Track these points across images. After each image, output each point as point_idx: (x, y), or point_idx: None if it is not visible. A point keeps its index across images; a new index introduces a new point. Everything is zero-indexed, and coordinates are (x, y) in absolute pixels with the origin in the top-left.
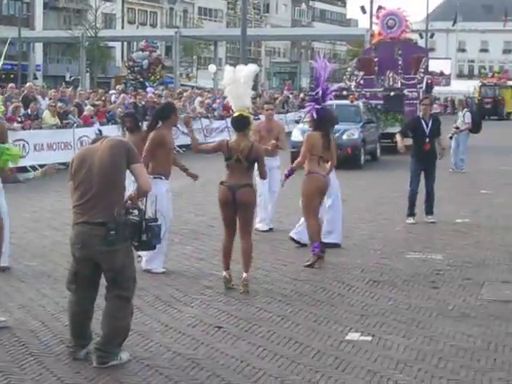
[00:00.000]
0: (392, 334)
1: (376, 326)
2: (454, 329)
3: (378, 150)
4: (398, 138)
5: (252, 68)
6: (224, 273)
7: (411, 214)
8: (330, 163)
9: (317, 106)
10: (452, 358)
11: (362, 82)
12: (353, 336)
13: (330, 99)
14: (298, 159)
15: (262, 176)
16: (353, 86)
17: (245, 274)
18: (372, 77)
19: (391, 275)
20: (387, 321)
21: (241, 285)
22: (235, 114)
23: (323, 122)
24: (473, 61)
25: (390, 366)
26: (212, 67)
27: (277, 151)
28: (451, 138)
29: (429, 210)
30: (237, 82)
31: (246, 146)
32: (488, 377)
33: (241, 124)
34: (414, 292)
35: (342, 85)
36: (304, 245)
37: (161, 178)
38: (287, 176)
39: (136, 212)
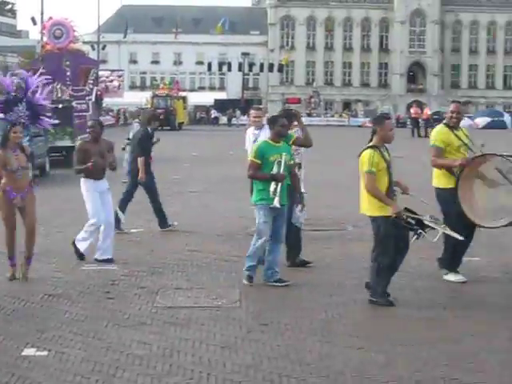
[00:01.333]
0: (68, 347)
1: (53, 339)
2: (130, 337)
3: (47, 165)
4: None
5: None
6: None
7: None
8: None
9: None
10: (129, 367)
11: None
12: (29, 352)
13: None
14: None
15: None
16: None
17: None
18: None
19: (66, 288)
20: (64, 334)
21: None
22: None
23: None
24: (145, 72)
25: (66, 379)
26: None
27: None
28: (124, 149)
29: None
30: None
31: None
32: (164, 382)
33: None
34: (90, 303)
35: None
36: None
37: None
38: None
39: None
